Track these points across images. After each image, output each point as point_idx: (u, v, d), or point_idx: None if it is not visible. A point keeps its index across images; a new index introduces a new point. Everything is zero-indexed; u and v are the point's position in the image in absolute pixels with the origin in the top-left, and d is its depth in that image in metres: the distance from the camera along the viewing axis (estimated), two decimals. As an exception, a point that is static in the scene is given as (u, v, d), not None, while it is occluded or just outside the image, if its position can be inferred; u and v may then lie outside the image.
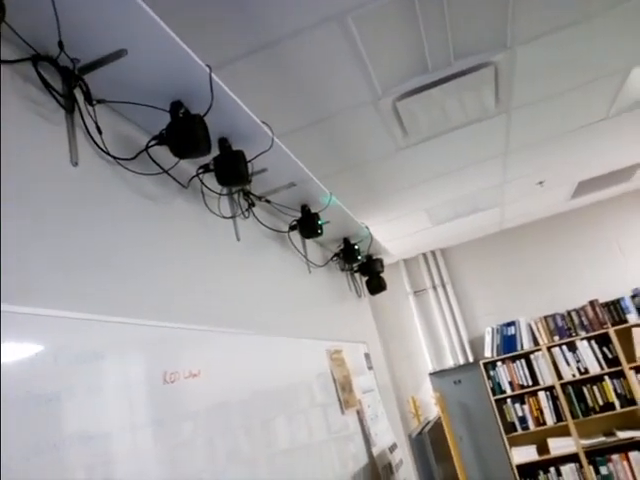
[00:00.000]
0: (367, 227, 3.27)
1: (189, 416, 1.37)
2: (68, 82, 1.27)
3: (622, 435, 4.64)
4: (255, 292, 2.09)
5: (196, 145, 1.47)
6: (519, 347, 5.02)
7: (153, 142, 1.53)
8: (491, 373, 5.00)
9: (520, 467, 4.79)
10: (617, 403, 4.67)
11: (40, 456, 0.94)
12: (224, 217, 1.95)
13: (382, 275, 3.79)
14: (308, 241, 2.88)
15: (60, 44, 1.19)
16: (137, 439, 1.17)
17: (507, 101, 2.86)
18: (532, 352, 4.94)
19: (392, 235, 4.82)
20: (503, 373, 4.97)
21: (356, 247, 3.29)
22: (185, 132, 1.48)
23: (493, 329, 5.16)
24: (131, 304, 1.31)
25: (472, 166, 3.67)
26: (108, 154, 1.39)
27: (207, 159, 1.75)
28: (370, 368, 3.42)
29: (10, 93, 1.17)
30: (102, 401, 1.11)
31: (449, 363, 5.42)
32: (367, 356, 3.44)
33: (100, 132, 1.36)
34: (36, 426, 0.95)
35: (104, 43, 1.28)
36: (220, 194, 1.92)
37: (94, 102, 1.34)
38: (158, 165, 1.57)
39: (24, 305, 0.98)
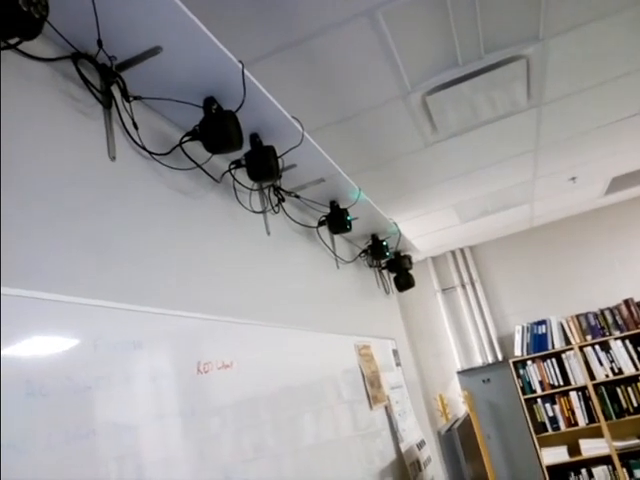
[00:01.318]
0: (395, 223, 3.27)
1: (221, 407, 1.40)
2: (106, 79, 1.31)
3: (657, 437, 4.52)
4: (285, 286, 2.11)
5: (228, 140, 1.50)
6: (550, 346, 4.93)
7: (187, 138, 1.56)
8: (521, 372, 4.93)
9: (550, 468, 4.72)
10: (652, 404, 4.56)
11: (77, 442, 0.97)
12: (255, 212, 1.98)
13: (410, 272, 3.77)
14: (336, 237, 2.89)
15: (99, 42, 1.23)
16: (168, 429, 1.20)
17: (538, 95, 2.82)
18: (563, 351, 4.85)
19: (420, 232, 4.79)
20: (533, 372, 4.89)
21: (384, 243, 3.28)
22: (218, 128, 1.51)
23: (523, 327, 5.08)
24: (166, 295, 1.35)
25: (502, 162, 3.63)
26: (144, 149, 1.42)
27: (239, 154, 1.78)
28: (398, 364, 3.41)
29: (51, 90, 1.21)
30: (138, 390, 1.14)
31: (478, 362, 5.36)
32: (395, 352, 3.43)
33: (136, 127, 1.39)
34: (75, 413, 0.98)
35: (140, 41, 1.32)
36: (251, 189, 1.95)
37: (131, 98, 1.38)
38: (192, 160, 1.60)
39: (65, 294, 1.02)
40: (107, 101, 1.32)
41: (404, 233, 3.62)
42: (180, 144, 1.56)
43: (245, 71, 1.47)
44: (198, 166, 1.61)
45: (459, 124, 2.94)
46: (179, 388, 1.27)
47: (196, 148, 1.60)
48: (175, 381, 1.26)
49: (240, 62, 1.45)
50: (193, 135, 1.55)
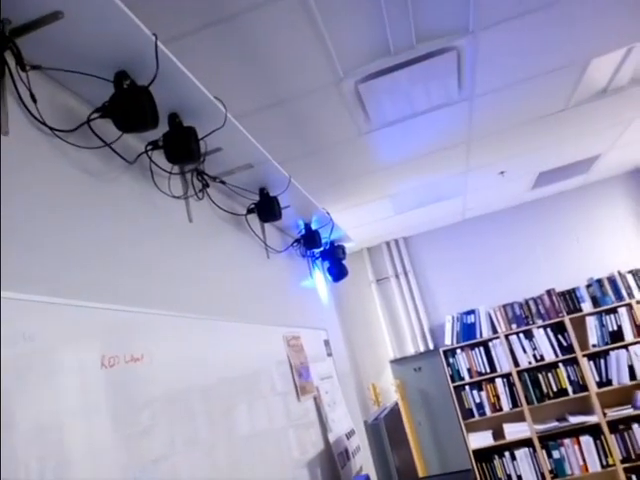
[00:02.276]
0: (328, 213, 3.23)
1: (131, 402, 1.31)
2: (-4, 43, 1.17)
3: (574, 420, 4.77)
4: (209, 276, 2.03)
5: (142, 118, 1.39)
6: (478, 335, 5.09)
7: (96, 114, 1.44)
8: (450, 360, 5.06)
9: (476, 452, 4.88)
10: (570, 389, 4.80)
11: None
12: (175, 197, 1.87)
13: (344, 262, 3.76)
14: (267, 226, 2.82)
15: (-13, 2, 1.10)
16: (68, 427, 1.10)
17: (470, 88, 2.85)
18: (490, 340, 5.02)
19: (356, 223, 4.80)
20: (462, 360, 5.03)
21: (317, 233, 3.24)
22: (130, 104, 1.40)
23: (453, 317, 5.22)
24: (67, 284, 1.24)
25: (435, 153, 3.67)
26: (44, 124, 1.30)
27: (157, 135, 1.67)
28: (329, 355, 3.40)
29: None
30: (31, 386, 1.04)
31: (410, 351, 5.46)
32: (327, 343, 3.42)
33: (35, 100, 1.27)
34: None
35: (38, 4, 1.19)
36: (171, 173, 1.84)
37: (28, 68, 1.25)
38: (101, 139, 1.48)
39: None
40: (-1, 69, 1.19)
41: (339, 223, 3.60)
42: (88, 121, 1.44)
43: (159, 44, 1.37)
44: (107, 145, 1.49)
45: (392, 114, 2.93)
46: (80, 384, 1.17)
47: (107, 127, 1.48)
48: (76, 376, 1.16)
49: (154, 34, 1.35)
50: (103, 112, 1.43)
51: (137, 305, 1.46)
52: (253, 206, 2.50)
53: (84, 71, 1.38)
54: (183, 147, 1.64)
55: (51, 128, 1.32)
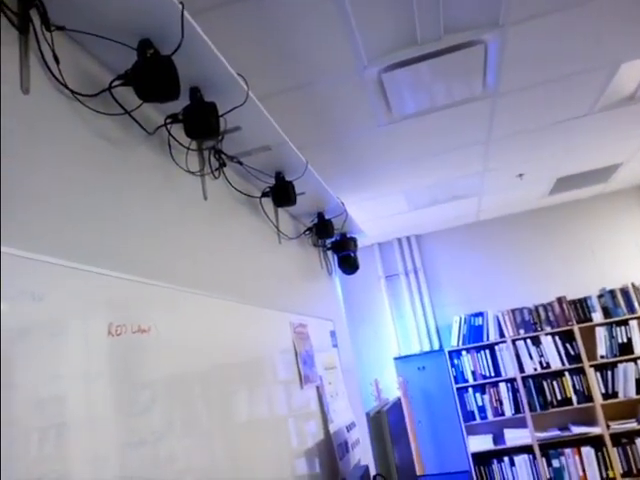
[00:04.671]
0: (343, 203, 3.21)
1: (134, 372, 1.30)
2: (23, 0, 1.16)
3: (576, 430, 4.72)
4: (220, 255, 2.01)
5: (163, 88, 1.38)
6: (485, 338, 5.05)
7: (117, 81, 1.43)
8: (455, 361, 5.02)
9: (475, 455, 4.85)
10: (574, 399, 4.75)
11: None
12: (191, 173, 1.86)
13: (355, 255, 3.74)
14: (281, 211, 2.81)
15: (15, -44, 1.09)
16: (68, 390, 1.09)
17: (494, 85, 2.81)
18: (497, 344, 4.98)
19: (369, 217, 4.77)
20: (467, 362, 5.00)
21: (330, 223, 3.22)
22: (152, 73, 1.38)
23: (461, 318, 5.18)
24: (77, 248, 1.22)
25: (454, 151, 3.63)
26: (65, 86, 1.28)
27: (176, 109, 1.66)
28: (335, 346, 3.38)
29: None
30: (38, 347, 1.03)
31: (415, 349, 5.43)
32: (332, 334, 3.40)
33: (57, 61, 1.25)
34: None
35: (66, -37, 1.18)
36: (189, 148, 1.82)
37: (52, 28, 1.24)
38: (121, 106, 1.47)
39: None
40: (23, 25, 1.17)
41: (352, 216, 3.57)
42: (109, 88, 1.42)
43: (186, 13, 1.35)
44: (128, 113, 1.48)
45: (413, 106, 2.89)
46: (85, 349, 1.16)
47: (128, 95, 1.47)
48: (81, 341, 1.15)
49: (181, 3, 1.33)
50: (125, 79, 1.42)
51: (146, 276, 1.45)
52: (268, 189, 2.48)
53: (108, 36, 1.37)
54: (203, 122, 1.62)
55: (72, 91, 1.31)
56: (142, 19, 1.37)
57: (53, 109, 1.26)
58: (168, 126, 1.69)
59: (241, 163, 2.17)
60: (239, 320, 2.03)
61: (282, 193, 2.46)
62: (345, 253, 3.67)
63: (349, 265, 3.71)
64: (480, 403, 4.91)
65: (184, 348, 1.56)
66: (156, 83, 1.37)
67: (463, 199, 4.77)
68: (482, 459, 4.86)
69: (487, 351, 4.99)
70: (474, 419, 4.90)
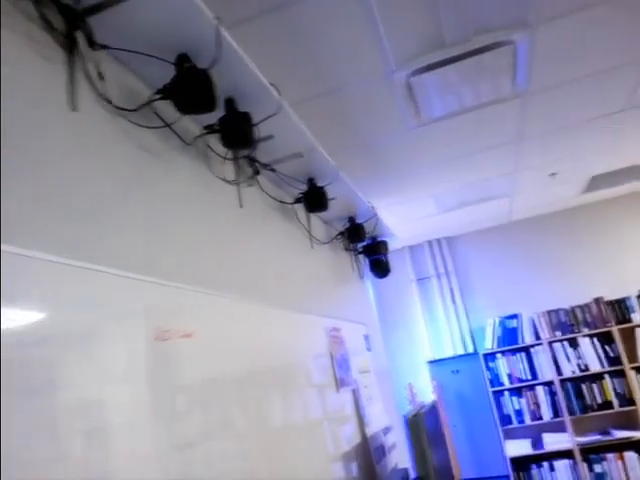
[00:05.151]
0: (374, 207, 3.22)
1: (180, 375, 1.34)
2: (70, 22, 1.22)
3: (618, 434, 4.60)
4: (255, 261, 2.05)
5: (201, 100, 1.43)
6: (520, 340, 4.97)
7: (157, 96, 1.48)
8: (490, 365, 4.96)
9: (514, 460, 4.77)
10: (615, 402, 4.63)
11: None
12: (228, 182, 1.91)
13: (386, 259, 3.75)
14: (313, 216, 2.84)
15: (63, -19, 1.15)
16: (119, 394, 1.14)
17: (524, 84, 2.79)
18: (533, 346, 4.89)
19: (399, 220, 4.76)
20: (502, 365, 4.93)
21: (361, 227, 3.24)
22: (190, 86, 1.43)
23: (495, 321, 5.11)
24: (125, 257, 1.28)
25: (484, 152, 3.60)
26: (109, 102, 1.34)
27: (213, 119, 1.71)
28: (368, 350, 3.39)
29: (10, 30, 1.12)
30: (93, 351, 1.08)
31: (449, 352, 5.39)
32: (366, 338, 3.41)
33: (102, 78, 1.31)
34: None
35: (109, -15, 1.24)
36: (225, 158, 1.87)
37: (97, 47, 1.30)
38: (161, 119, 1.52)
39: (21, 247, 0.95)
40: (70, 47, 1.24)
41: (383, 219, 3.59)
42: (150, 102, 1.48)
43: (221, 29, 1.40)
44: (167, 125, 1.53)
45: (442, 109, 2.89)
46: (135, 352, 1.20)
47: (167, 109, 1.53)
48: (131, 345, 1.20)
49: (216, 17, 1.38)
50: (164, 93, 1.47)
51: (190, 283, 1.50)
52: (300, 195, 2.52)
53: (148, 52, 1.42)
54: (239, 132, 1.67)
55: (116, 106, 1.36)
56: (179, 34, 1.42)
57: (99, 124, 1.32)
58: (205, 137, 1.74)
59: (274, 170, 2.22)
60: (275, 325, 2.06)
61: (314, 199, 2.50)
62: (376, 257, 3.69)
63: (380, 268, 3.72)
64: (517, 407, 4.83)
65: (224, 352, 1.60)
66: (194, 96, 1.42)
67: (494, 200, 4.72)
68: (521, 464, 4.77)
69: (523, 354, 4.91)
70: (511, 423, 4.82)
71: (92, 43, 1.28)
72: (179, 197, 1.60)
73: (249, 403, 1.66)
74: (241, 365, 1.68)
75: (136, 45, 1.41)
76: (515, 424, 4.81)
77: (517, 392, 4.86)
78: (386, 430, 3.03)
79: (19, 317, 0.93)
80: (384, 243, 3.70)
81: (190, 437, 1.34)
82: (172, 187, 1.57)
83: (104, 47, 1.34)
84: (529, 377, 4.85)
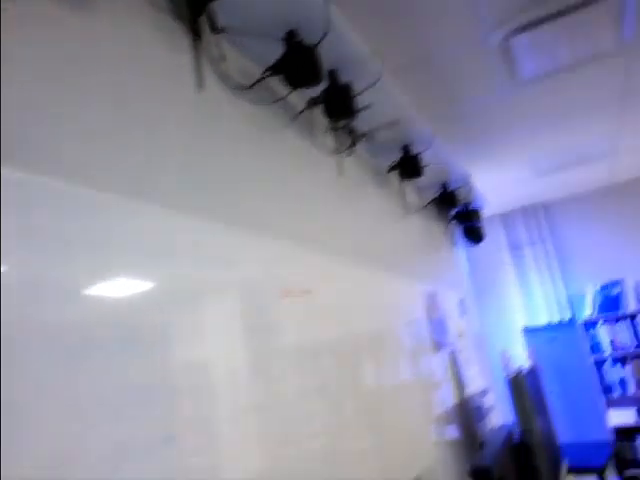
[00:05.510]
0: (467, 174, 3.20)
1: (299, 332, 1.48)
2: (194, 9, 1.35)
3: None
4: (354, 227, 2.15)
5: (309, 74, 1.52)
6: (623, 307, 4.75)
7: (268, 72, 1.59)
8: (590, 332, 4.80)
9: (617, 429, 4.62)
10: None
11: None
12: (327, 152, 2.01)
13: (479, 226, 3.71)
14: (406, 184, 2.88)
15: (190, -28, 1.27)
16: (241, 349, 1.29)
17: (630, 38, 2.63)
18: (638, 313, 4.67)
19: (492, 186, 4.67)
20: (604, 333, 4.75)
21: (454, 194, 3.24)
22: (299, 61, 1.53)
23: (595, 288, 4.91)
24: (252, 219, 1.42)
25: (584, 111, 3.44)
26: (230, 82, 1.47)
27: (315, 91, 1.80)
28: (463, 315, 3.42)
29: (139, 19, 1.27)
30: (221, 304, 1.23)
31: (544, 320, 5.26)
32: (461, 303, 3.43)
33: (224, 60, 1.44)
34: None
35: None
36: (326, 129, 1.97)
37: (218, 30, 1.42)
38: (270, 96, 1.64)
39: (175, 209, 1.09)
40: (195, 32, 1.37)
41: (476, 186, 3.55)
42: (262, 79, 1.59)
43: (330, 3, 1.47)
44: (279, 100, 1.65)
45: (541, 68, 2.80)
46: (262, 308, 1.34)
47: (275, 86, 1.63)
48: (258, 301, 1.34)
49: (323, -7, 1.46)
50: (274, 70, 1.58)
51: (303, 243, 1.62)
52: (395, 163, 2.57)
53: (259, 31, 1.53)
54: (342, 103, 1.75)
55: (235, 86, 1.49)
56: (288, 11, 1.51)
57: (220, 103, 1.45)
58: (308, 110, 1.84)
59: (370, 139, 2.28)
60: (377, 288, 2.16)
61: (409, 166, 2.54)
62: (469, 224, 3.66)
63: (474, 235, 3.70)
64: (620, 375, 4.65)
65: (339, 310, 1.72)
66: (304, 71, 1.52)
67: (593, 162, 4.49)
68: (624, 434, 4.62)
69: (627, 321, 4.70)
70: (613, 392, 4.66)
71: (214, 27, 1.40)
72: (287, 167, 1.72)
73: (356, 363, 1.77)
74: (350, 325, 1.80)
75: (249, 25, 1.53)
76: (618, 393, 4.64)
77: (620, 361, 4.67)
78: (483, 393, 3.06)
79: (160, 274, 1.09)
80: (477, 210, 3.66)
81: (291, 394, 1.39)
82: (281, 157, 1.70)
83: (223, 30, 1.46)
84: (633, 345, 4.64)
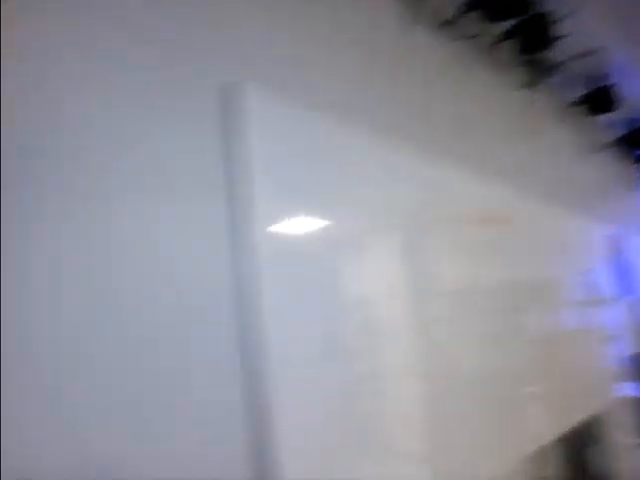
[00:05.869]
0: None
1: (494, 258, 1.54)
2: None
3: None
4: (539, 163, 2.12)
5: (512, 6, 1.51)
6: None
7: (465, 7, 1.61)
8: None
9: None
10: None
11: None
12: (515, 86, 1.98)
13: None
14: (593, 119, 2.69)
15: None
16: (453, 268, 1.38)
17: None
18: None
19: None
20: None
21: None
22: (499, -5, 1.52)
23: None
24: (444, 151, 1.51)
25: None
26: (435, 19, 1.53)
27: (503, 27, 1.77)
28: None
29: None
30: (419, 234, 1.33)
31: None
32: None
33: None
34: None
35: None
36: (515, 62, 1.94)
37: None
38: (463, 32, 1.66)
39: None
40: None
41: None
42: (459, 14, 1.62)
43: None
44: (473, 37, 1.67)
45: None
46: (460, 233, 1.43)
47: (467, 24, 1.66)
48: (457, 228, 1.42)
49: None
50: (468, 6, 1.59)
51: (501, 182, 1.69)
52: (583, 98, 2.42)
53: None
54: (537, 35, 1.70)
55: (439, 22, 1.54)
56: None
57: (423, 40, 1.52)
58: (499, 44, 1.82)
59: (562, 71, 2.17)
60: (557, 228, 2.10)
61: (600, 100, 2.37)
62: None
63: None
64: None
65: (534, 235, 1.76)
66: (503, 2, 1.51)
67: None
68: None
69: None
70: None
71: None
72: (478, 101, 1.75)
73: (538, 306, 1.79)
74: (535, 264, 1.81)
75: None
76: None
77: None
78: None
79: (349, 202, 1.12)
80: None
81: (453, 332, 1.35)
82: (473, 92, 1.73)
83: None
84: None
